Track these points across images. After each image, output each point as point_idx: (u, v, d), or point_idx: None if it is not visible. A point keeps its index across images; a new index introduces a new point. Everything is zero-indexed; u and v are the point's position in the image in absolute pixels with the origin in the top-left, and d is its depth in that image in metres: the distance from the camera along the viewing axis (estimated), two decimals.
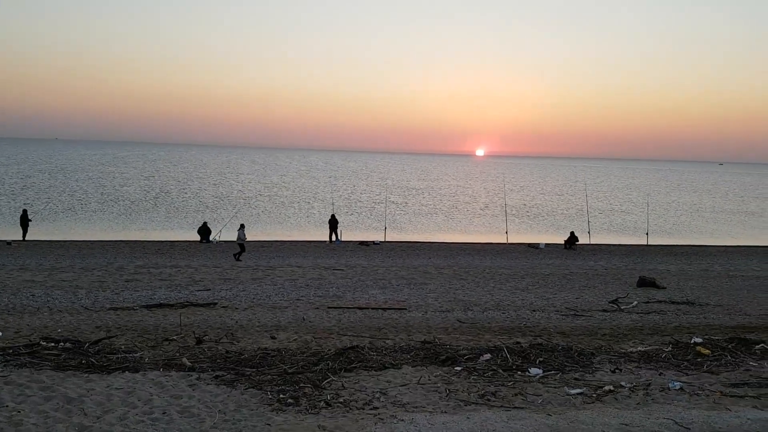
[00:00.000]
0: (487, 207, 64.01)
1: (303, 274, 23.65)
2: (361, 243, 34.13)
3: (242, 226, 29.09)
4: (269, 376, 9.96)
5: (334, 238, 34.66)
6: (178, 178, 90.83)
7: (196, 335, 13.16)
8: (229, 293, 19.52)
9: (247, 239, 28.75)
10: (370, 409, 8.57)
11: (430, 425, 7.63)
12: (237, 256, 27.06)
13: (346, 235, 36.22)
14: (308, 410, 8.44)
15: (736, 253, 34.25)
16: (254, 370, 10.39)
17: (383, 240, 35.82)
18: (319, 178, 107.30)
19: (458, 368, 10.65)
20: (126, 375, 9.84)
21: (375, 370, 10.50)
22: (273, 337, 13.58)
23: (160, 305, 17.36)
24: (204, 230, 33.51)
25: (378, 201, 62.84)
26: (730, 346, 12.28)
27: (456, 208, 62.56)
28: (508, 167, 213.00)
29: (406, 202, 65.51)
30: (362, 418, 8.13)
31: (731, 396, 9.17)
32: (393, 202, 62.04)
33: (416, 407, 8.63)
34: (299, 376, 9.96)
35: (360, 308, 17.79)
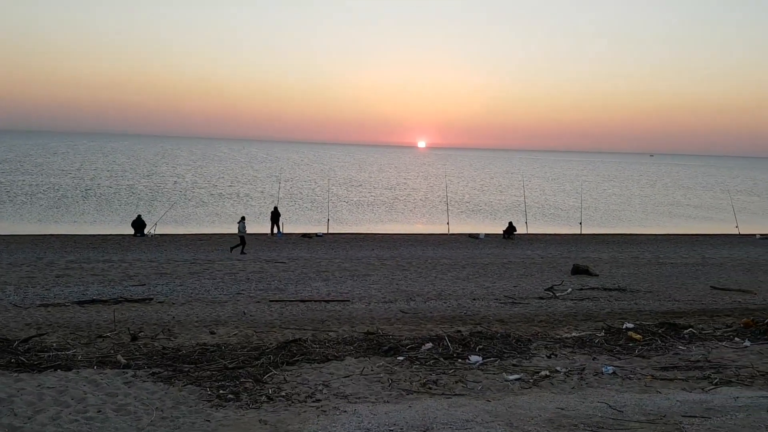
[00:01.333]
0: (428, 198, 64.62)
1: (243, 267, 23.28)
2: (304, 235, 33.87)
3: (243, 219, 28.68)
4: (208, 372, 9.77)
5: (275, 230, 34.24)
6: (110, 169, 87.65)
7: (132, 332, 12.79)
8: (166, 288, 19.03)
9: (248, 232, 28.47)
10: (313, 401, 8.53)
11: (372, 415, 7.66)
12: (234, 249, 26.95)
13: (288, 227, 35.85)
14: (249, 405, 8.33)
15: (665, 241, 35.79)
16: (193, 366, 10.18)
17: (326, 232, 35.63)
18: (260, 169, 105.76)
19: (401, 358, 10.74)
20: (58, 373, 9.46)
21: (318, 363, 10.47)
22: (212, 332, 13.33)
23: (92, 301, 16.77)
24: (138, 223, 32.48)
25: (320, 193, 62.51)
26: (660, 331, 12.85)
27: (398, 199, 62.89)
28: (450, 159, 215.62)
29: (348, 194, 65.41)
30: (304, 411, 8.09)
31: (662, 379, 9.59)
32: (335, 194, 61.85)
33: (359, 398, 8.65)
34: (240, 371, 9.82)
35: (303, 301, 17.68)
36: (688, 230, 43.78)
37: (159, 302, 17.00)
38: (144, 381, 9.28)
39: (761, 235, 39.18)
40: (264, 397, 8.65)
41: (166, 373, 9.72)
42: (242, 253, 26.65)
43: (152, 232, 32.57)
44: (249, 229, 29.04)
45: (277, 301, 17.56)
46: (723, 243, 35.48)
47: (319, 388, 9.11)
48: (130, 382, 9.22)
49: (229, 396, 8.66)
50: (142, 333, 12.84)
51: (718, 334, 13.02)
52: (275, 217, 34.54)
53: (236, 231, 28.53)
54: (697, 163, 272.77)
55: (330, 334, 13.28)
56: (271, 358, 10.54)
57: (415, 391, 8.95)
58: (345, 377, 9.63)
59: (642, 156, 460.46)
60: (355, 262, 25.25)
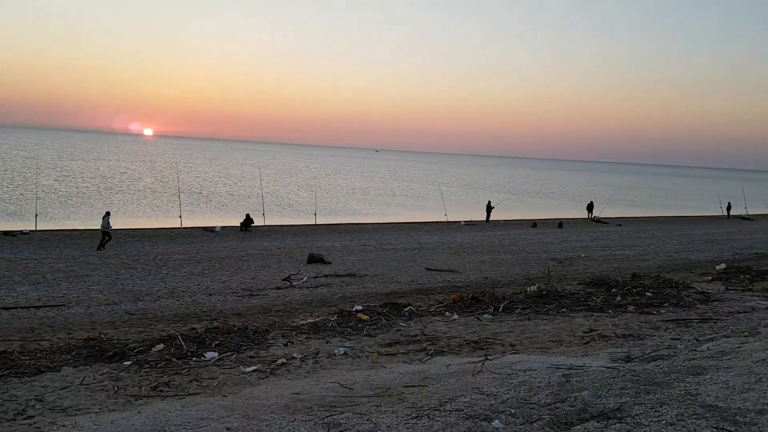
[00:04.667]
0: (155, 190, 60.94)
1: None
2: (5, 233, 29.35)
3: (108, 214, 27.52)
4: None
5: None
6: None
7: None
8: None
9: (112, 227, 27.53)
10: (24, 419, 7.46)
11: (96, 426, 6.95)
12: (101, 245, 25.98)
13: None
14: None
15: (388, 229, 39.04)
16: None
17: (33, 229, 31.34)
18: None
19: (128, 363, 9.95)
20: None
21: (28, 376, 9.19)
22: None
23: None
24: None
25: (22, 183, 54.71)
26: (384, 311, 13.96)
27: (121, 191, 58.14)
28: (182, 148, 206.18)
29: (59, 185, 58.37)
30: (14, 430, 7.01)
31: (386, 354, 10.43)
32: (43, 185, 54.72)
33: (80, 410, 7.81)
34: None
35: (6, 308, 15.34)
36: (406, 219, 48.30)
37: None
38: None
39: (465, 221, 45.05)
40: None
41: None
42: (99, 248, 25.72)
43: None
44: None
45: None
46: (435, 229, 39.98)
47: (32, 403, 8.02)
48: None
49: None
50: None
51: (432, 309, 14.62)
52: None
53: (100, 226, 27.18)
54: (415, 159, 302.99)
55: (42, 343, 11.75)
56: None
57: (144, 396, 8.39)
58: (62, 389, 8.60)
59: (368, 152, 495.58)
60: (70, 261, 22.70)
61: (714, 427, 4.68)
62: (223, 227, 35.15)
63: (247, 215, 36.10)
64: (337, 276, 21.42)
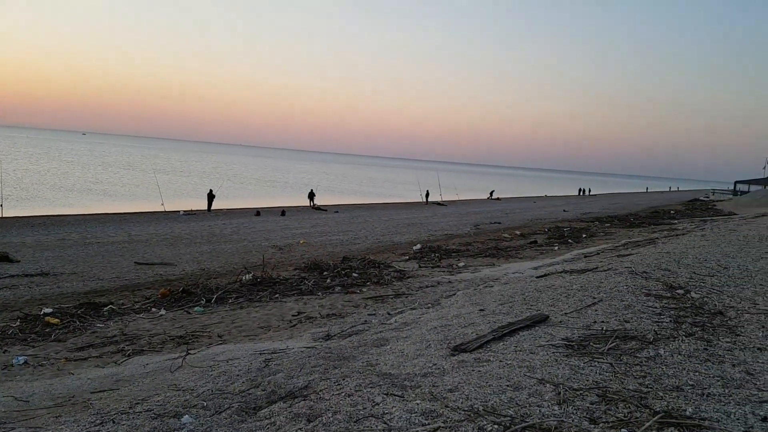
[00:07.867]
0: None
1: None
2: None
3: None
4: None
5: None
6: None
7: None
8: None
9: None
10: None
11: None
12: None
13: None
14: None
15: (93, 221, 35.47)
16: None
17: None
18: None
19: None
20: None
21: None
22: None
23: None
24: None
25: None
26: (79, 312, 12.66)
27: None
28: None
29: None
30: None
31: (76, 360, 9.44)
32: None
33: None
34: None
35: None
36: (115, 209, 44.48)
37: None
38: None
39: (185, 211, 43.22)
40: None
41: None
42: None
43: None
44: None
45: None
46: (149, 220, 37.55)
47: None
48: None
49: None
50: None
51: (137, 306, 13.70)
52: None
53: None
54: (128, 144, 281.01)
55: None
56: None
57: None
58: None
59: (75, 134, 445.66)
60: None
61: (385, 393, 5.14)
62: None
63: None
64: (26, 276, 18.73)
